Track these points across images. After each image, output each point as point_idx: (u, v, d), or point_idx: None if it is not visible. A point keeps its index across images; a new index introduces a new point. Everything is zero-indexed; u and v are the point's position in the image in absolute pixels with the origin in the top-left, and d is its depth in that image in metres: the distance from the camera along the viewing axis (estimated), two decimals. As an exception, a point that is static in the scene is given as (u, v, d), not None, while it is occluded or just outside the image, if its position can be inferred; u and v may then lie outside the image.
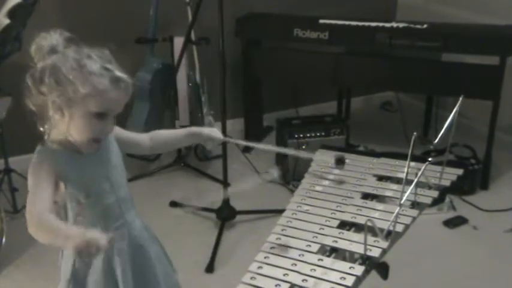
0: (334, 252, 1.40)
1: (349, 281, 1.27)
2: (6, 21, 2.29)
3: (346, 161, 1.76)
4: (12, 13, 2.29)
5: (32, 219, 1.23)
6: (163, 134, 1.61)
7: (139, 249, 1.46)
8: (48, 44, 1.30)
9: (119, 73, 1.30)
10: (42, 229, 1.22)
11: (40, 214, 1.23)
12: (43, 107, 1.31)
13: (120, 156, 1.46)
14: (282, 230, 1.50)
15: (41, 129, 1.35)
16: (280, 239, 1.45)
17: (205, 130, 1.63)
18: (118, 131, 1.46)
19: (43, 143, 1.35)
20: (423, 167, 1.43)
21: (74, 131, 1.31)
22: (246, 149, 3.54)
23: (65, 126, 1.31)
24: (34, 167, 1.31)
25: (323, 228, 1.49)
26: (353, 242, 1.41)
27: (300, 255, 1.37)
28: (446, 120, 1.52)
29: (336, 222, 1.52)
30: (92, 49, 1.32)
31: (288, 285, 1.28)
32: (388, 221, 1.39)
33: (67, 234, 1.18)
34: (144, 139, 1.57)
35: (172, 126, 3.35)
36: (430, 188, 1.66)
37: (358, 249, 1.37)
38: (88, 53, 1.30)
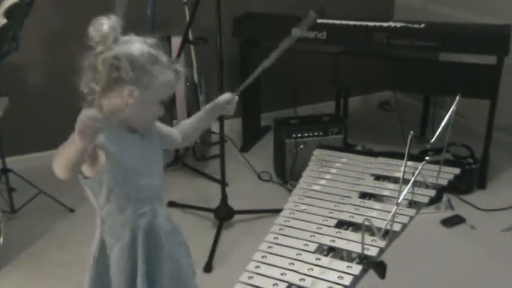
0: (331, 251, 1.40)
1: (347, 280, 1.28)
2: (3, 20, 2.29)
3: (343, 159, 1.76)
4: (9, 13, 2.29)
5: (57, 157, 1.28)
6: (188, 122, 1.67)
7: (157, 238, 1.50)
8: (111, 32, 1.36)
9: (180, 67, 1.41)
10: (58, 155, 1.27)
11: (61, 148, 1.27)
12: (104, 90, 1.36)
13: (160, 146, 1.53)
14: (280, 229, 1.50)
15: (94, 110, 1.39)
16: (277, 238, 1.45)
17: (219, 98, 1.66)
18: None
19: None
20: (420, 166, 1.44)
21: (138, 116, 1.40)
22: (244, 149, 3.54)
23: (126, 109, 1.36)
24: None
25: (321, 228, 1.49)
26: (350, 241, 1.41)
27: (297, 254, 1.38)
28: (443, 119, 1.52)
29: (334, 222, 1.52)
30: (146, 38, 1.38)
31: (286, 284, 1.28)
32: (386, 220, 1.40)
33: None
34: (175, 132, 1.64)
35: (170, 126, 3.35)
36: (427, 187, 1.66)
37: (356, 248, 1.38)
38: (151, 42, 1.38)
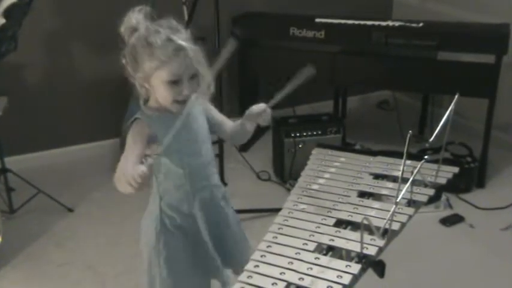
0: (330, 250, 1.40)
1: (346, 279, 1.27)
2: (2, 20, 2.29)
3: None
4: (7, 13, 2.29)
5: (117, 173, 1.38)
6: (233, 126, 1.72)
7: (219, 208, 1.66)
8: (131, 23, 1.44)
9: (180, 41, 1.44)
10: (121, 179, 1.36)
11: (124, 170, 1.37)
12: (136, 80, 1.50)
13: (206, 127, 1.62)
14: (279, 228, 1.50)
15: (142, 99, 1.55)
16: (276, 237, 1.45)
17: (252, 109, 1.68)
18: (207, 106, 1.66)
19: (143, 109, 1.54)
20: (419, 165, 1.44)
21: (159, 98, 1.50)
22: (243, 148, 3.54)
23: (153, 95, 1.51)
24: (133, 128, 1.49)
25: (319, 227, 1.49)
26: (349, 241, 1.41)
27: (296, 253, 1.38)
28: (442, 118, 1.52)
29: (333, 221, 1.52)
30: (160, 22, 1.47)
31: (285, 283, 1.28)
32: (385, 219, 1.39)
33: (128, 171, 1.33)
34: (228, 125, 1.71)
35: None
36: (426, 186, 1.66)
37: (355, 247, 1.37)
38: (156, 28, 1.44)
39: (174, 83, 1.45)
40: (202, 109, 1.64)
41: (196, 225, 1.61)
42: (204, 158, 1.60)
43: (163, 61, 1.42)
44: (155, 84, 1.47)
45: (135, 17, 1.45)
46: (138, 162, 1.39)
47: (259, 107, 1.67)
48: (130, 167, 1.34)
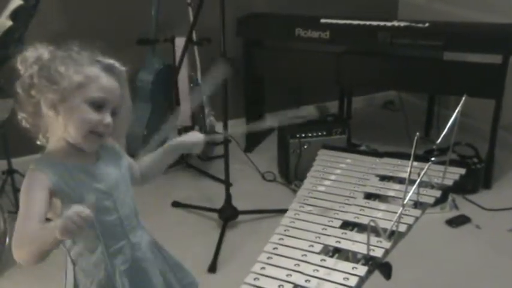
0: (337, 252, 1.40)
1: (352, 281, 1.27)
2: (9, 23, 2.30)
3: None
4: (14, 15, 2.30)
5: (22, 240, 1.17)
6: (146, 158, 1.52)
7: (141, 272, 1.39)
8: (33, 55, 1.29)
9: (109, 60, 1.30)
10: (34, 243, 1.15)
11: (31, 233, 1.17)
12: (36, 113, 1.29)
13: (128, 173, 1.40)
14: (285, 230, 1.50)
15: (38, 142, 1.34)
16: (283, 239, 1.45)
17: (184, 139, 1.55)
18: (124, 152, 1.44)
19: (42, 155, 1.32)
20: (426, 167, 1.43)
21: (71, 127, 1.25)
22: (248, 149, 3.54)
23: (61, 127, 1.27)
24: (28, 181, 1.24)
25: (326, 229, 1.49)
26: (356, 242, 1.41)
27: (303, 255, 1.38)
28: (448, 119, 1.52)
29: (339, 223, 1.52)
30: (81, 48, 1.32)
31: (291, 285, 1.28)
32: (391, 221, 1.39)
33: (51, 227, 1.10)
34: (135, 167, 1.48)
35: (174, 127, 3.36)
36: (432, 187, 1.65)
37: (361, 249, 1.37)
38: (77, 50, 1.31)
39: (98, 107, 1.25)
40: (124, 154, 1.42)
41: None
42: (120, 213, 1.33)
43: (90, 77, 1.25)
44: (72, 106, 1.24)
45: (40, 51, 1.30)
46: (43, 223, 1.16)
47: (194, 137, 1.55)
48: (36, 226, 1.13)
